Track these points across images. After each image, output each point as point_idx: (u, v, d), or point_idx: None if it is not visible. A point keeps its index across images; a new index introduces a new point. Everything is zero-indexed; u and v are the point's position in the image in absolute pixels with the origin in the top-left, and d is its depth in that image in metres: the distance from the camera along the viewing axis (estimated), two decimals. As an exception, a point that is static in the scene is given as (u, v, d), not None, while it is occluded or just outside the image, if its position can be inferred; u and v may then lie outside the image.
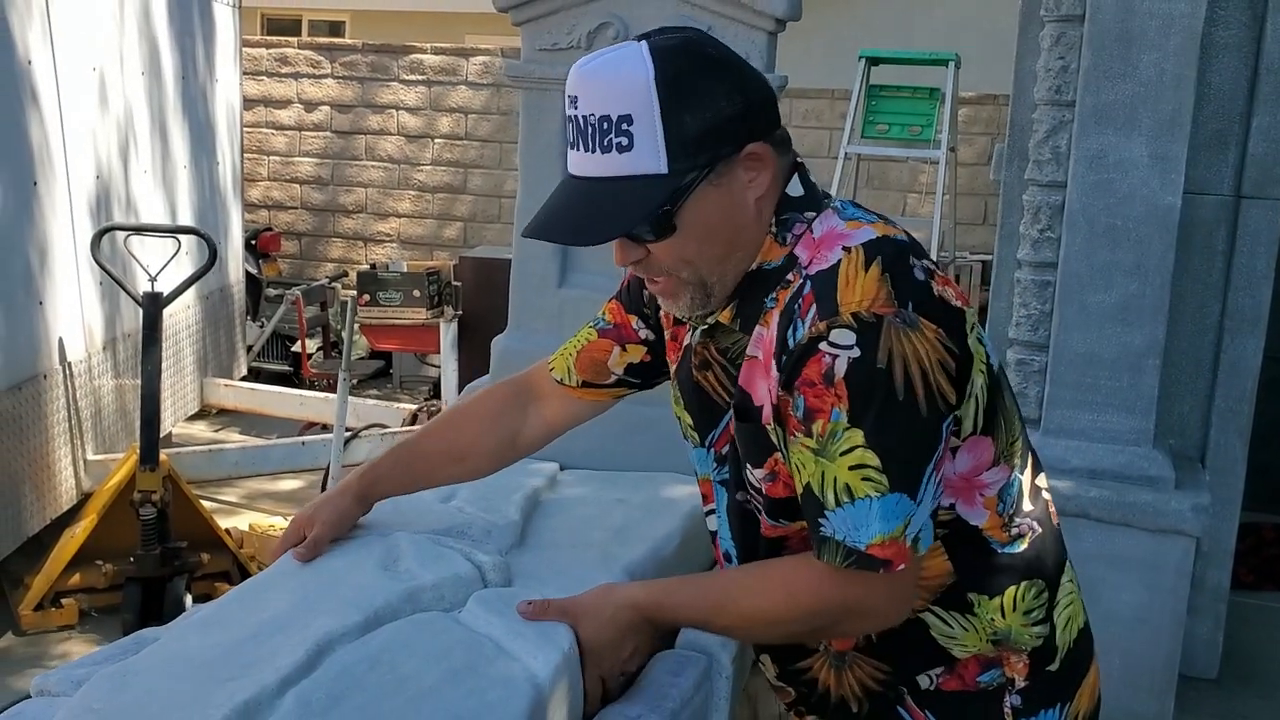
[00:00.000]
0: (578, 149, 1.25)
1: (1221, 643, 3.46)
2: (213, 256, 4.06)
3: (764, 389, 1.29)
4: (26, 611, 3.94)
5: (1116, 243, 2.99)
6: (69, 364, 4.28)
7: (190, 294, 4.37)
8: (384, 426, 4.98)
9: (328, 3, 13.02)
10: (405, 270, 7.02)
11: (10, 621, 4.00)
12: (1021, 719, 1.36)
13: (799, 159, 1.36)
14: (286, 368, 7.36)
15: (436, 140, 9.30)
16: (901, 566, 1.22)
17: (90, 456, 4.41)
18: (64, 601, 4.01)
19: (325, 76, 9.41)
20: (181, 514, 4.13)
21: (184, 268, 4.38)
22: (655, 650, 1.56)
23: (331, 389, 6.40)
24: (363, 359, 7.62)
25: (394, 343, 6.91)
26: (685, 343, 1.45)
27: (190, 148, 5.62)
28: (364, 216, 9.48)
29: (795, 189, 1.33)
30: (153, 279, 3.95)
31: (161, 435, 4.08)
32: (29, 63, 3.97)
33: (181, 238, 4.35)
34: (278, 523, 4.66)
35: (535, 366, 1.71)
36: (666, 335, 1.53)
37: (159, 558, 3.92)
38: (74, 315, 4.34)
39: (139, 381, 4.70)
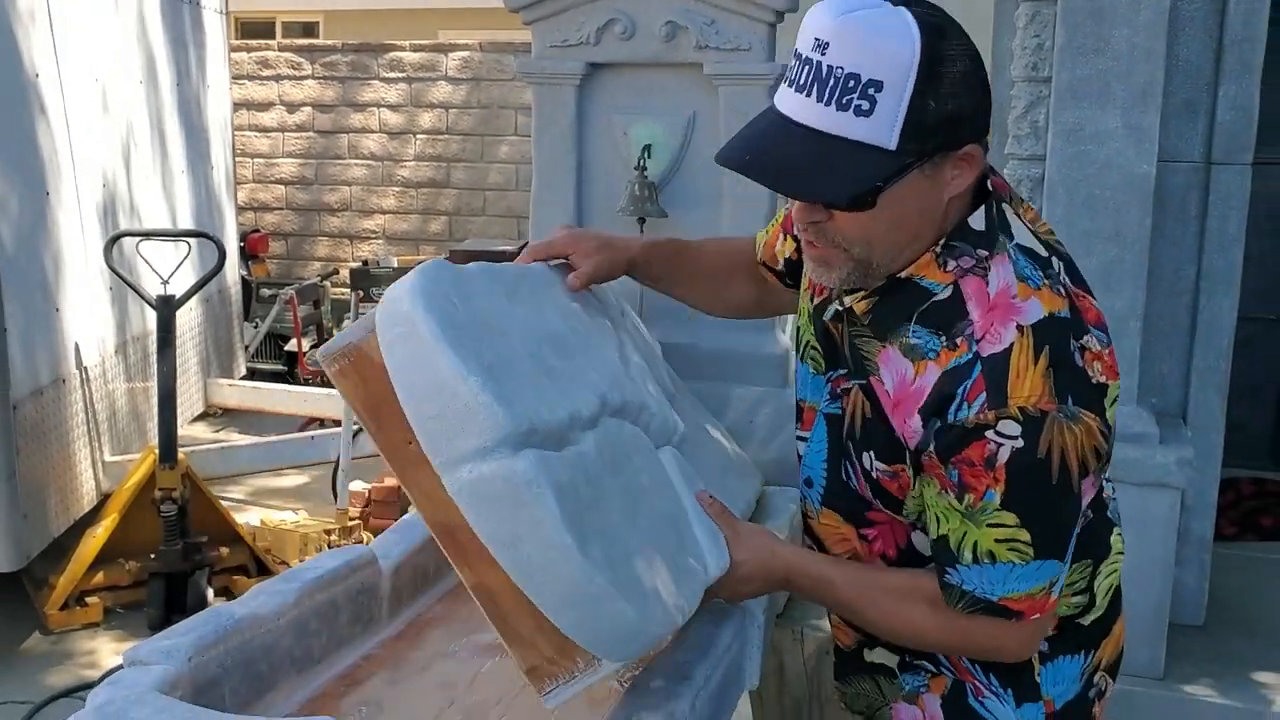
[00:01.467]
0: (808, 94, 1.20)
1: (1207, 591, 3.59)
2: (222, 258, 4.17)
3: (900, 424, 1.32)
4: (53, 611, 4.05)
5: (1095, 211, 3.13)
6: (85, 368, 4.38)
7: (193, 297, 4.47)
8: (389, 418, 5.08)
9: (300, 4, 13.04)
10: (397, 265, 7.13)
11: (37, 621, 4.10)
12: (1045, 662, 1.44)
13: (995, 185, 1.34)
14: (281, 367, 7.44)
15: (418, 136, 9.38)
16: (1035, 616, 1.31)
17: (108, 458, 4.51)
18: (88, 600, 4.12)
19: (306, 77, 9.48)
20: (199, 510, 4.24)
21: (184, 271, 4.47)
22: None
23: (327, 385, 6.51)
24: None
25: (389, 338, 7.00)
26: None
27: (186, 153, 5.71)
28: (349, 214, 9.56)
29: (978, 222, 1.31)
30: (165, 282, 4.06)
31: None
32: (36, 75, 4.06)
33: (190, 241, 4.46)
34: (287, 518, 4.77)
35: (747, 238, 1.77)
36: None
37: (180, 553, 4.03)
38: (88, 320, 4.44)
39: (150, 384, 4.80)
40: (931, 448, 1.28)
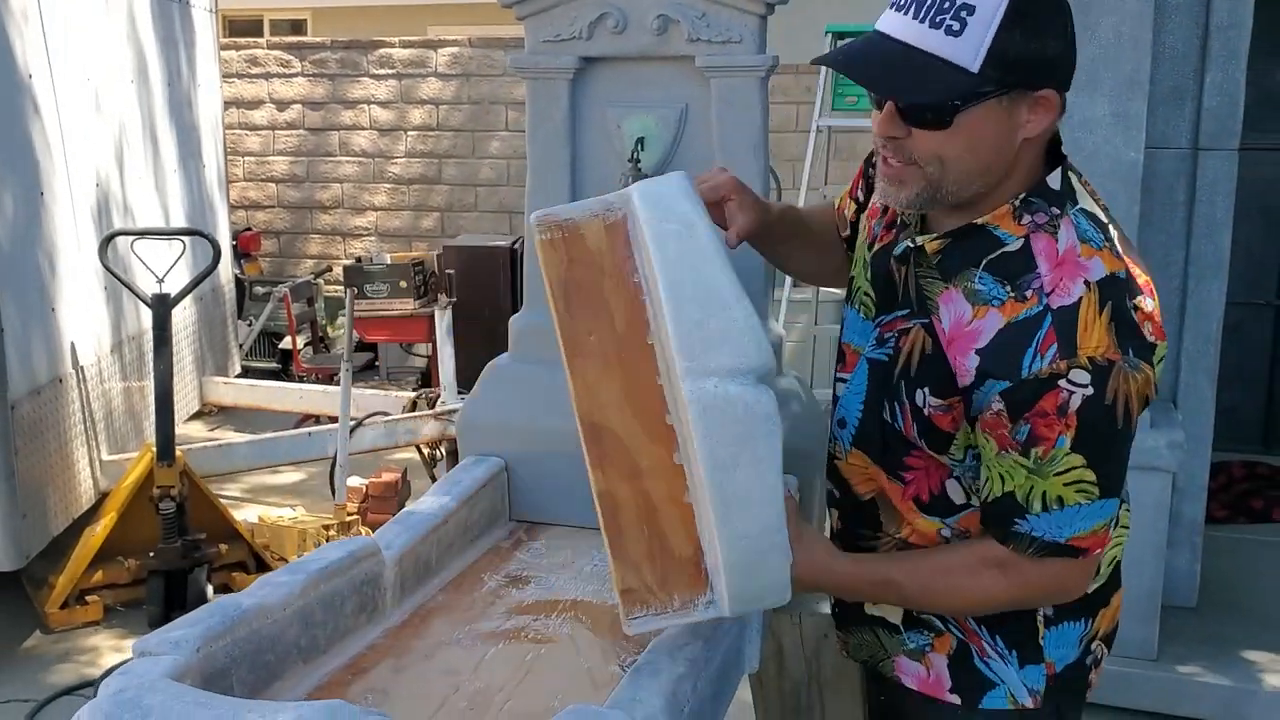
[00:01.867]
0: (905, 12, 1.32)
1: (1199, 573, 3.64)
2: (216, 256, 4.19)
3: (954, 360, 1.40)
4: (53, 610, 4.06)
5: (1084, 198, 3.16)
6: (81, 368, 4.39)
7: (188, 295, 4.48)
8: (386, 414, 5.11)
9: (288, 1, 13.02)
10: (390, 262, 7.13)
11: (37, 621, 4.11)
12: (1050, 626, 1.52)
13: (1067, 157, 1.44)
14: (275, 365, 7.45)
15: (409, 132, 9.38)
16: (1098, 551, 1.40)
17: (105, 457, 4.52)
18: (89, 598, 4.13)
19: (295, 75, 9.47)
20: (197, 507, 4.25)
21: (179, 269, 4.48)
22: None
23: (322, 382, 6.52)
24: (354, 352, 7.71)
25: (384, 334, 7.02)
26: (897, 230, 1.54)
27: (179, 151, 5.72)
28: (341, 212, 9.55)
29: (1055, 181, 1.41)
30: (160, 280, 4.07)
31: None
32: (30, 76, 4.07)
33: (184, 239, 4.48)
34: (285, 514, 4.79)
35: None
36: (874, 201, 1.63)
37: (180, 550, 4.04)
38: (83, 320, 4.45)
39: (145, 382, 4.81)
40: (998, 407, 1.35)
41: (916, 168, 1.37)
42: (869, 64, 1.35)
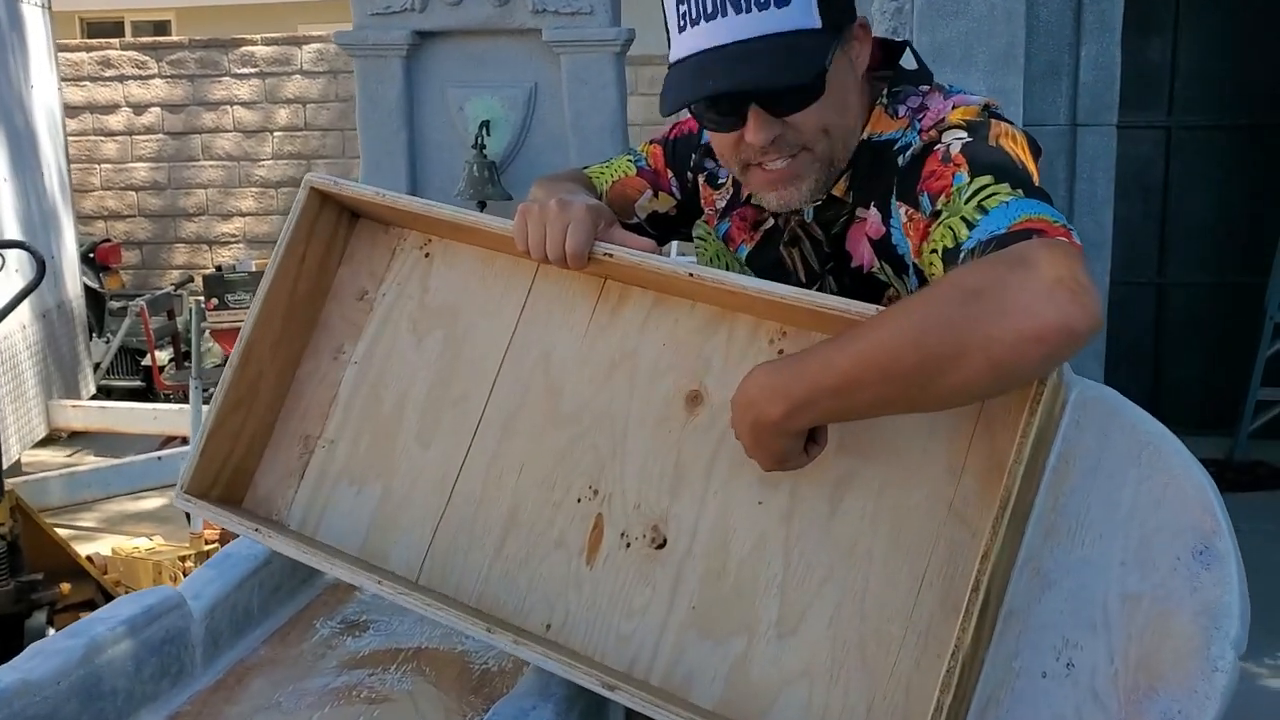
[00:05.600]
0: (723, 15, 1.21)
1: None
2: (41, 270, 3.85)
3: (865, 247, 1.34)
4: (-128, 666, 3.70)
5: (964, 178, 3.08)
6: (-105, 397, 4.03)
7: (25, 313, 4.15)
8: (246, 431, 4.81)
9: (151, 1, 12.53)
10: (254, 269, 6.81)
11: None
12: None
13: (906, 41, 1.40)
14: (139, 383, 7.08)
15: (275, 133, 9.05)
16: (1060, 238, 1.08)
17: (-71, 494, 4.16)
18: (-87, 651, 3.78)
19: (152, 77, 9.06)
20: (35, 545, 3.92)
21: (13, 286, 4.15)
22: None
23: (186, 400, 6.18)
24: (217, 366, 7.36)
25: (249, 346, 6.70)
26: (766, 226, 1.46)
27: (10, 159, 5.33)
28: (206, 219, 9.19)
29: (909, 62, 1.36)
30: (-22, 299, 3.74)
31: (8, 464, 3.86)
32: None
33: (8, 253, 4.12)
34: (141, 544, 4.48)
35: (580, 172, 1.61)
36: (710, 212, 1.54)
37: (13, 594, 3.72)
38: (-104, 345, 4.09)
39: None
40: (901, 213, 1.28)
41: (807, 153, 1.30)
42: (736, 76, 1.23)
